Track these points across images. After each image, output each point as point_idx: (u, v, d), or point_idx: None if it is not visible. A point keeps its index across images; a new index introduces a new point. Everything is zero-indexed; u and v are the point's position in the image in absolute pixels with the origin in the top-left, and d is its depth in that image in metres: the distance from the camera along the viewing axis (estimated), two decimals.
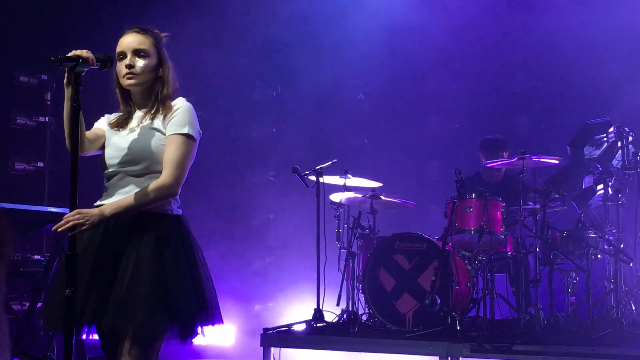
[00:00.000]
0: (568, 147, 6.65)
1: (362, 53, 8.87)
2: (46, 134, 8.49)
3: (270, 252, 9.11)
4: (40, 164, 8.41)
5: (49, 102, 8.46)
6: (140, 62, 3.42)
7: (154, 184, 3.29)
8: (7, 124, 8.24)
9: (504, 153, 7.35)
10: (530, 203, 6.54)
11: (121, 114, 3.55)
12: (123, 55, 3.43)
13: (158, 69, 3.47)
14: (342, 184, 6.92)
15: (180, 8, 8.40)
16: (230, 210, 9.11)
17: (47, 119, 8.49)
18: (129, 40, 3.44)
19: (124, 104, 3.54)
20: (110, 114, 3.63)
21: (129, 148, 3.38)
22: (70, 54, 3.19)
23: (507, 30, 8.53)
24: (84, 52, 3.21)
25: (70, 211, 3.15)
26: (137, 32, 3.47)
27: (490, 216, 6.35)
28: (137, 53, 3.42)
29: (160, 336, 3.23)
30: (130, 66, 3.40)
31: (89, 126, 3.53)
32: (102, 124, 3.56)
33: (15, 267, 5.51)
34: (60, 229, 3.13)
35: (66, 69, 3.21)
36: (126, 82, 3.42)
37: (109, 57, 3.34)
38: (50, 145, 8.29)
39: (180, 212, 3.46)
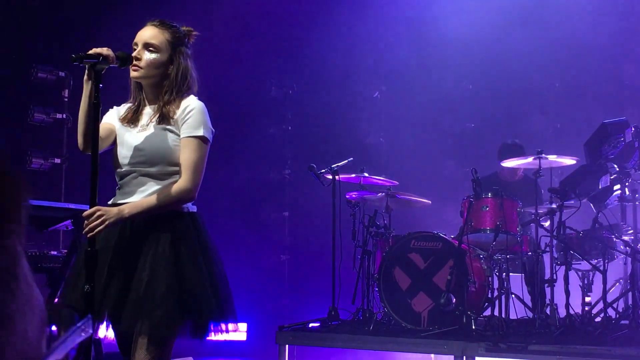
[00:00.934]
0: (585, 147, 6.62)
1: (379, 51, 8.88)
2: (63, 130, 8.53)
3: (286, 250, 9.12)
4: (57, 161, 8.45)
5: (66, 99, 8.49)
6: (146, 56, 3.39)
7: (174, 189, 3.30)
8: (25, 120, 8.28)
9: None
10: (546, 203, 6.52)
11: (131, 105, 3.53)
12: (136, 46, 3.43)
13: (168, 66, 3.43)
14: (358, 182, 6.93)
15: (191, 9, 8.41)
16: (246, 207, 9.13)
17: (64, 115, 8.52)
18: (144, 33, 3.43)
19: (135, 95, 3.52)
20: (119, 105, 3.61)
21: (142, 148, 3.37)
22: (91, 52, 3.21)
23: (523, 30, 8.50)
24: (104, 50, 3.22)
25: (90, 208, 3.17)
26: (154, 25, 3.45)
27: (506, 216, 6.34)
28: (147, 46, 3.40)
29: (175, 333, 3.25)
30: (137, 58, 3.39)
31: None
32: (113, 119, 3.52)
33: (33, 263, 5.53)
34: (87, 235, 3.14)
35: (86, 66, 3.22)
36: (131, 73, 3.41)
37: (128, 56, 3.35)
38: (68, 141, 8.32)
39: (194, 209, 3.46)
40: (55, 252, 5.96)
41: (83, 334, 1.31)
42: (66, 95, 8.51)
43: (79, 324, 1.31)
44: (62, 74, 8.48)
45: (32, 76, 8.28)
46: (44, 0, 8.47)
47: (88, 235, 3.14)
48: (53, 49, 8.25)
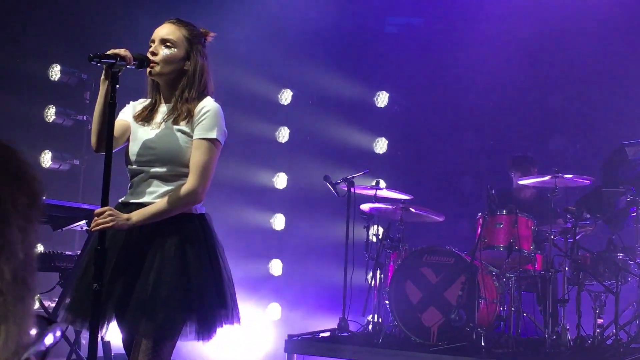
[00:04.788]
0: (602, 168, 6.60)
1: (397, 66, 8.88)
2: (84, 132, 8.61)
3: (298, 260, 9.12)
4: (76, 162, 8.53)
5: (87, 101, 8.57)
6: (163, 51, 3.40)
7: (181, 191, 3.30)
8: (46, 121, 8.37)
9: (534, 169, 7.31)
10: (561, 222, 6.50)
11: (147, 103, 3.54)
12: (152, 42, 3.45)
13: (184, 62, 3.44)
14: (373, 194, 6.93)
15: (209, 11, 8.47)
16: (260, 216, 9.15)
17: (85, 117, 8.61)
18: (161, 29, 3.45)
19: (152, 92, 3.53)
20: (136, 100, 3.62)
21: (154, 147, 3.38)
22: (108, 52, 3.24)
23: (544, 49, 8.48)
24: (121, 51, 3.25)
25: (101, 207, 3.20)
26: (172, 22, 3.47)
27: (520, 233, 6.32)
28: (164, 42, 3.41)
29: (177, 335, 3.26)
30: (153, 54, 3.41)
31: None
32: (128, 115, 3.53)
33: (47, 262, 5.58)
34: (93, 229, 3.18)
35: (104, 66, 3.26)
36: (148, 70, 3.42)
37: (146, 57, 3.37)
38: (87, 143, 8.40)
39: (203, 210, 3.46)
40: (69, 252, 6.00)
41: (53, 339, 1.32)
42: (87, 97, 8.59)
43: (50, 328, 1.32)
44: (84, 76, 8.57)
45: (54, 78, 8.37)
46: (69, 3, 8.56)
47: (92, 230, 3.17)
48: (76, 51, 8.32)
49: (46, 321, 1.28)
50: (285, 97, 9.42)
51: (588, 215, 6.24)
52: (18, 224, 1.18)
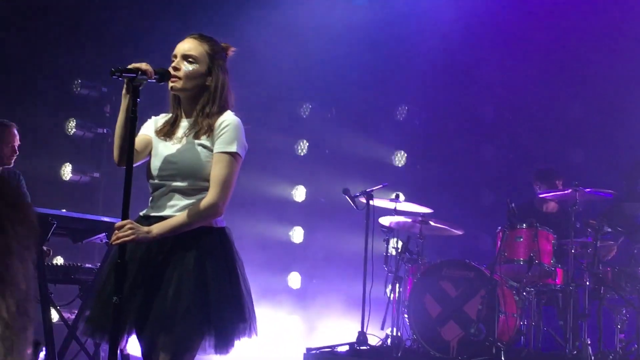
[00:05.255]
0: (623, 182, 6.55)
1: (418, 79, 8.87)
2: (104, 145, 8.66)
3: (317, 273, 9.12)
4: (96, 175, 8.58)
5: (108, 114, 8.63)
6: (185, 67, 3.41)
7: (201, 205, 3.31)
8: (66, 134, 8.42)
9: (559, 182, 7.25)
10: (582, 236, 6.45)
11: (168, 117, 3.55)
12: (174, 57, 3.46)
13: (206, 78, 3.45)
14: (393, 207, 6.91)
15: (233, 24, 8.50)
16: (279, 229, 9.16)
17: (105, 130, 8.66)
18: (183, 44, 3.46)
19: (173, 106, 3.54)
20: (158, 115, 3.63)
21: (175, 162, 3.39)
22: (130, 66, 3.26)
23: (564, 61, 8.45)
24: (143, 65, 3.27)
25: (122, 220, 3.21)
26: (194, 37, 3.48)
27: (541, 247, 6.28)
28: (186, 57, 3.42)
29: (195, 349, 3.27)
30: (175, 69, 3.42)
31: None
32: (150, 130, 3.54)
33: (66, 274, 5.60)
34: (113, 243, 3.19)
35: (125, 80, 3.27)
36: (170, 84, 3.42)
37: (167, 71, 3.38)
38: (108, 156, 8.44)
39: (224, 224, 3.46)
40: (89, 265, 6.03)
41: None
42: (108, 110, 8.65)
43: (39, 348, 1.34)
44: (105, 89, 8.63)
45: (75, 91, 8.44)
46: (91, 16, 8.62)
47: (113, 243, 3.19)
48: (97, 65, 8.38)
49: (33, 344, 1.28)
50: (305, 109, 9.44)
51: (609, 229, 6.19)
52: (19, 255, 1.18)
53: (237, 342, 3.32)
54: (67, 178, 8.75)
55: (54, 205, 5.73)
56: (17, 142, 5.95)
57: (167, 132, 3.49)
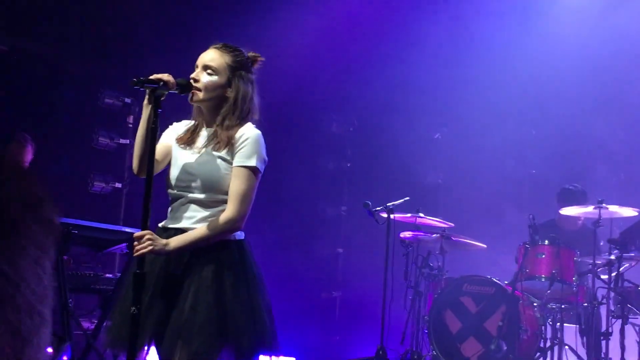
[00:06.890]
0: None
1: (440, 93, 8.85)
2: (126, 155, 8.69)
3: (337, 286, 9.09)
4: (118, 185, 8.60)
5: (130, 125, 8.65)
6: (204, 78, 3.41)
7: (220, 219, 3.30)
8: (89, 144, 8.46)
9: (582, 200, 7.03)
10: (605, 254, 6.39)
11: (190, 125, 3.54)
12: (196, 67, 3.46)
13: (226, 89, 3.44)
14: (413, 222, 6.89)
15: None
16: (300, 241, 9.14)
17: (128, 141, 8.69)
18: (205, 55, 3.46)
19: (196, 115, 3.53)
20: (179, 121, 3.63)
21: (194, 174, 3.37)
22: (152, 77, 3.26)
23: (587, 78, 8.40)
24: (165, 76, 3.27)
25: (141, 230, 3.21)
26: (216, 48, 3.47)
27: (563, 264, 6.22)
28: (206, 68, 3.42)
29: None
30: (195, 80, 3.42)
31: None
32: (170, 138, 3.54)
33: (87, 284, 5.62)
34: (134, 255, 3.19)
35: (147, 91, 3.28)
36: (189, 95, 3.42)
37: (188, 82, 3.38)
38: (130, 166, 8.46)
39: (242, 236, 3.44)
40: (110, 275, 6.05)
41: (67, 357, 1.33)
42: (131, 121, 8.67)
43: (63, 347, 1.33)
44: (128, 100, 8.65)
45: (99, 101, 8.47)
46: (115, 27, 8.68)
47: (134, 255, 3.18)
48: (121, 75, 8.42)
49: (58, 339, 1.27)
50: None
51: (633, 247, 6.13)
52: (34, 257, 1.17)
53: (256, 357, 3.30)
54: (89, 188, 8.78)
55: (76, 216, 5.76)
56: (29, 158, 6.00)
57: (187, 140, 3.48)
